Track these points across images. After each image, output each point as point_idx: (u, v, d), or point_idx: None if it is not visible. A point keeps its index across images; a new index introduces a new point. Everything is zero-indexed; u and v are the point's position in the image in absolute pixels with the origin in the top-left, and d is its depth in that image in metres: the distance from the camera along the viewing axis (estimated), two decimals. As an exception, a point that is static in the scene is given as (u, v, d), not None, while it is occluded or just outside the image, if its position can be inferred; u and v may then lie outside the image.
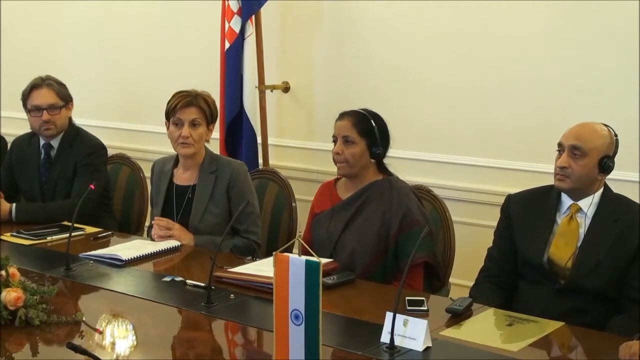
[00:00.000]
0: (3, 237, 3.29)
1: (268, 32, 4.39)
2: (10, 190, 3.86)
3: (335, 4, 4.28)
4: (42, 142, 3.83)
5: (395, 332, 2.17)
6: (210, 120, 3.34)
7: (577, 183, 2.71)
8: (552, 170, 2.77)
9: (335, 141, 3.07)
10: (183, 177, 3.41)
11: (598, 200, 2.74)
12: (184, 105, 3.28)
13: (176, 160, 3.44)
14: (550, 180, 2.82)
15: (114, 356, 2.20)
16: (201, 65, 4.71)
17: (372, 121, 3.05)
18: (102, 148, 3.86)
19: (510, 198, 2.94)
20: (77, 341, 2.21)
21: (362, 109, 3.10)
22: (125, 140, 5.05)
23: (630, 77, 3.46)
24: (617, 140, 2.74)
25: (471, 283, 2.94)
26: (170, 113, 3.32)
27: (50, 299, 2.44)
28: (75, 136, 3.82)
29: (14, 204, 3.65)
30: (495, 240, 2.94)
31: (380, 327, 2.23)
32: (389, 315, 2.19)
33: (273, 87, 4.46)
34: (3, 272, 2.37)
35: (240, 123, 4.34)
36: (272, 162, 4.43)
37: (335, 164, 3.08)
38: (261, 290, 2.62)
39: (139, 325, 2.44)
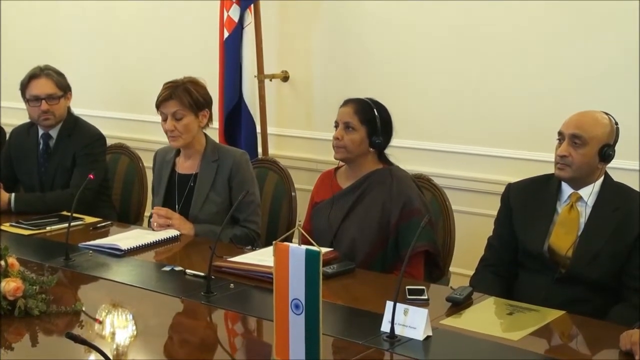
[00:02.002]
0: (2, 227, 3.28)
1: (267, 21, 4.37)
2: (10, 181, 3.84)
3: (334, -7, 4.27)
4: (40, 132, 3.81)
5: (395, 321, 2.16)
6: (196, 108, 3.29)
7: (578, 172, 2.70)
8: (553, 159, 2.76)
9: (337, 127, 3.06)
10: (185, 165, 3.40)
11: (598, 189, 2.73)
12: (164, 99, 3.27)
13: (178, 149, 3.43)
14: (550, 169, 2.81)
15: (114, 346, 2.19)
16: (200, 54, 4.69)
17: (374, 110, 3.04)
18: (101, 138, 3.85)
19: (510, 187, 2.93)
20: (76, 331, 2.21)
21: (367, 98, 3.09)
22: (124, 130, 5.04)
23: (630, 66, 3.44)
24: (617, 129, 2.73)
25: (471, 272, 2.94)
26: (157, 108, 3.33)
27: (49, 289, 2.44)
28: (74, 126, 3.80)
29: (13, 194, 3.64)
30: (495, 229, 2.94)
31: (380, 317, 2.23)
32: (389, 305, 2.19)
33: (272, 77, 4.45)
34: (2, 262, 2.37)
35: (239, 112, 4.33)
36: (272, 151, 4.42)
37: (334, 149, 3.07)
38: (261, 280, 2.62)
39: (139, 315, 2.43)
